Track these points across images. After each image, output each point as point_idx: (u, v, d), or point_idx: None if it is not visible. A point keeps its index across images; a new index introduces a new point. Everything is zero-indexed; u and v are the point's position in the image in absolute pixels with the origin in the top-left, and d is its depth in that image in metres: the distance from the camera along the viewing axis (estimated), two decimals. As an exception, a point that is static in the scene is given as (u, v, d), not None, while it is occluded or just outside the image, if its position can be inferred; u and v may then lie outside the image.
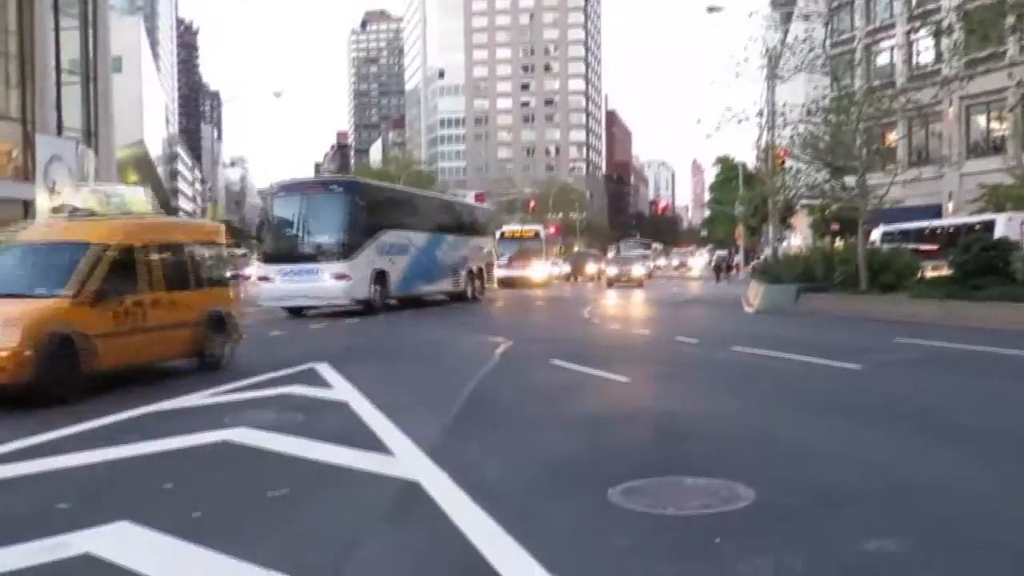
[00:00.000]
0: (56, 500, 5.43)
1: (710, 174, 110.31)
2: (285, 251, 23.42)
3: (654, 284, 47.27)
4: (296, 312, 23.75)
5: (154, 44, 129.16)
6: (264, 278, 23.77)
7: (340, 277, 22.76)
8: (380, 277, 24.28)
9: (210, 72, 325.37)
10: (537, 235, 51.14)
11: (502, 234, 50.52)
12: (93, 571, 4.16)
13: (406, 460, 6.33)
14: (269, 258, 24.07)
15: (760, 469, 5.90)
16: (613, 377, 10.68)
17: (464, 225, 32.69)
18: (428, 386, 10.53)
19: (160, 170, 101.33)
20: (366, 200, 24.38)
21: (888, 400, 8.97)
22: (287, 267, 23.01)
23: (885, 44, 42.38)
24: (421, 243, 27.52)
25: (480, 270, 32.84)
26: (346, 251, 23.06)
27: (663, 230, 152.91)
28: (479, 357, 13.07)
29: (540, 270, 47.96)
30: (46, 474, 6.18)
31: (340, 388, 9.99)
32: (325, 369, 11.60)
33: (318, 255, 23.07)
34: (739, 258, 63.98)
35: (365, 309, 23.68)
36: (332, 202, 23.64)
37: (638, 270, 46.40)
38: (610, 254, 74.66)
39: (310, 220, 23.51)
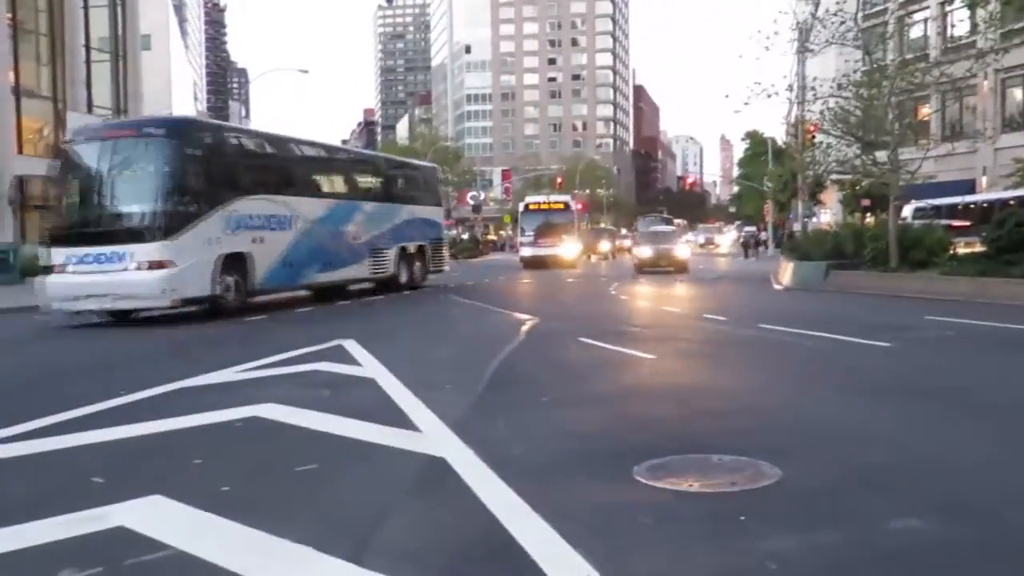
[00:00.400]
0: (90, 474, 5.53)
1: (739, 149, 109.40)
2: (78, 227, 16.75)
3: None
4: (121, 316, 17.40)
5: (182, 22, 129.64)
6: (50, 268, 17.06)
7: (156, 265, 16.12)
8: (234, 263, 17.77)
9: (237, 49, 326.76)
10: (567, 207, 44.61)
11: (526, 206, 45.21)
12: (126, 543, 4.24)
13: (432, 436, 6.37)
14: (58, 238, 17.10)
15: (787, 447, 5.88)
16: (639, 354, 10.67)
17: (393, 188, 25.71)
18: (455, 363, 10.58)
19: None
20: (205, 150, 17.45)
21: (919, 378, 8.89)
22: (80, 251, 16.41)
23: (918, 16, 41.62)
24: (315, 213, 20.99)
25: (421, 249, 26.38)
26: (168, 226, 16.34)
27: (691, 206, 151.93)
28: (505, 335, 13.10)
29: (571, 248, 42.70)
30: (81, 448, 6.30)
31: (368, 365, 10.07)
32: (353, 346, 11.70)
33: (124, 232, 16.35)
34: (767, 234, 63.34)
35: (209, 310, 17.50)
36: (147, 153, 16.60)
37: (682, 251, 36.08)
38: (623, 231, 70.77)
39: (115, 180, 16.67)
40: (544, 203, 45.61)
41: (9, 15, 40.73)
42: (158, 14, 78.23)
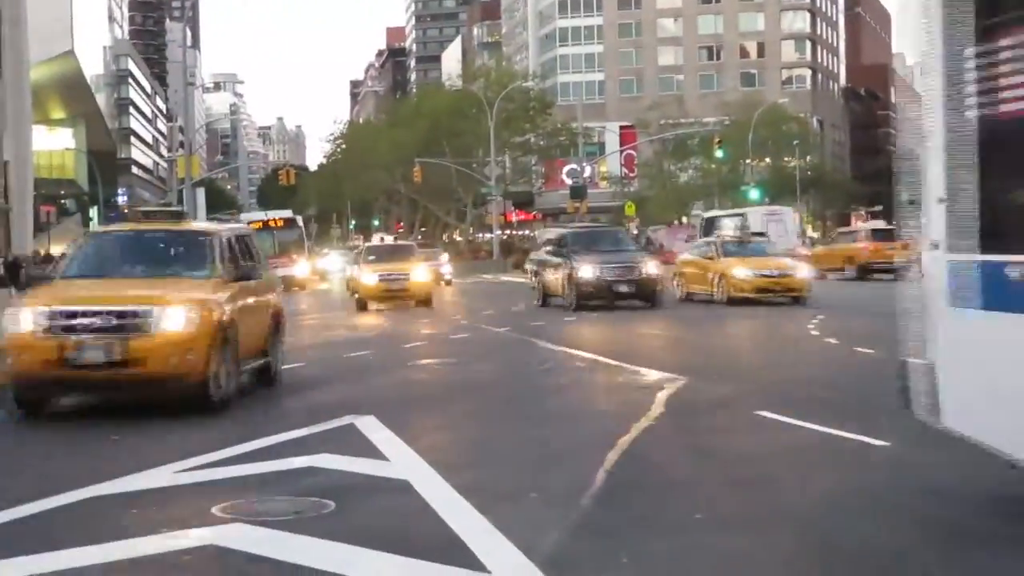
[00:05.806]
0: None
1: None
2: None
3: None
4: None
5: None
6: None
7: None
8: None
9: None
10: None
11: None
12: None
13: (512, 584, 6.43)
14: None
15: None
16: (860, 439, 10.58)
17: None
18: (545, 454, 10.66)
19: (101, 99, 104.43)
20: None
21: None
22: None
23: None
24: None
25: None
26: None
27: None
28: (628, 407, 13.13)
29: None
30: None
31: (397, 458, 10.20)
32: (372, 426, 11.87)
33: None
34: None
35: None
36: None
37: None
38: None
39: None
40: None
41: None
42: None
